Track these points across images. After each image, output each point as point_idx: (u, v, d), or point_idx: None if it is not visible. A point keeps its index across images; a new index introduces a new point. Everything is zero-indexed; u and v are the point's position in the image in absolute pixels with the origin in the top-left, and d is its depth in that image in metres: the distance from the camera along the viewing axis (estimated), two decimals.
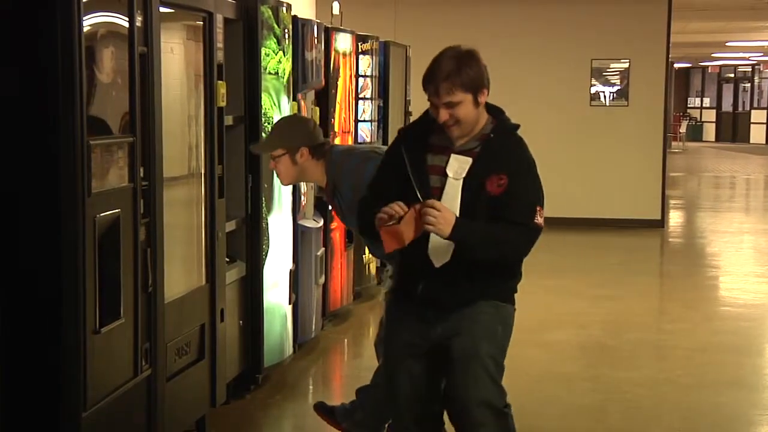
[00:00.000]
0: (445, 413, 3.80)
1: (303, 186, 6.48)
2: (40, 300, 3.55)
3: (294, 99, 6.17)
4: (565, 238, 11.51)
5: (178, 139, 4.80)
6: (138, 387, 4.03)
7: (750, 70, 36.57)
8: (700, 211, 16.29)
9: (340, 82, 7.47)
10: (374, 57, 8.46)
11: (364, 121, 8.37)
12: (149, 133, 4.04)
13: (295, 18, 6.22)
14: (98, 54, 3.69)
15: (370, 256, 8.24)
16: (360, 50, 8.07)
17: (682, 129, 33.07)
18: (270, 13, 5.68)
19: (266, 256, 5.75)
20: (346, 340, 7.49)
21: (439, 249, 3.47)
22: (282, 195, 6.02)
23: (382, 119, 8.92)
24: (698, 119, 37.75)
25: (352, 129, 7.93)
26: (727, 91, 37.83)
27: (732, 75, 37.55)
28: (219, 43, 4.93)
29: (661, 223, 13.20)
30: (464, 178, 3.48)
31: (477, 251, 3.47)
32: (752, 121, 36.05)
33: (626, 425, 5.62)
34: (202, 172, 4.93)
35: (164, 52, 4.28)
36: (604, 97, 13.37)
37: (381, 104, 8.86)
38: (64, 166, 3.48)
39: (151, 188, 4.06)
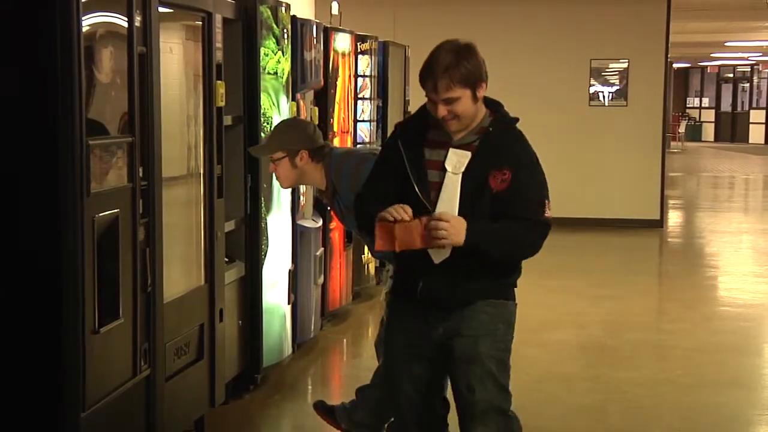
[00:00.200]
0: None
1: (302, 186, 6.47)
2: (39, 300, 3.55)
3: (293, 99, 6.17)
4: (565, 238, 11.50)
5: (177, 139, 4.79)
6: (137, 387, 4.03)
7: (749, 70, 36.59)
8: (699, 211, 16.29)
9: (339, 82, 7.47)
10: (373, 57, 8.46)
11: (363, 121, 8.37)
12: (148, 133, 4.03)
13: (294, 18, 6.22)
14: (97, 54, 3.69)
15: (369, 256, 8.24)
16: (359, 50, 8.07)
17: (681, 129, 33.07)
18: (269, 13, 5.68)
19: (265, 256, 5.75)
20: (345, 340, 7.49)
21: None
22: (281, 195, 6.02)
23: (381, 119, 8.92)
24: (697, 119, 37.77)
25: (351, 129, 7.93)
26: (726, 91, 37.84)
27: (731, 75, 37.57)
28: (218, 43, 4.93)
29: (660, 223, 13.20)
30: (463, 173, 3.42)
31: (492, 252, 3.42)
32: (751, 121, 36.07)
33: (626, 425, 5.62)
34: (201, 172, 4.92)
35: (163, 52, 4.27)
36: (603, 97, 13.38)
37: (380, 104, 8.86)
38: (63, 166, 3.47)
39: (150, 188, 4.06)
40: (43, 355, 3.56)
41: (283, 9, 5.92)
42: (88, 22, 3.56)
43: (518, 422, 3.62)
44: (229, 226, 5.31)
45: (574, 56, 13.15)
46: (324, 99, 7.13)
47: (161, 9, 4.17)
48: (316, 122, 6.53)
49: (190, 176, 4.94)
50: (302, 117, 6.37)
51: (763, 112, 35.67)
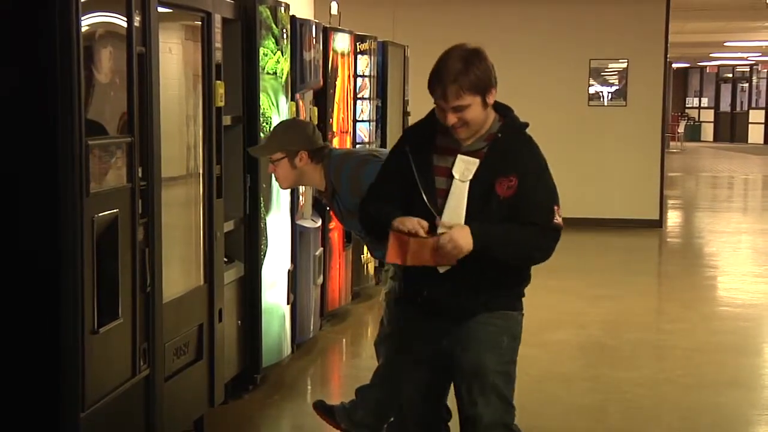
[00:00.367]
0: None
1: (301, 186, 6.47)
2: (38, 300, 3.54)
3: (292, 99, 6.17)
4: (564, 238, 11.42)
5: (177, 139, 4.79)
6: (136, 387, 4.03)
7: (748, 70, 36.59)
8: (699, 211, 16.30)
9: (338, 82, 7.47)
10: (372, 57, 8.46)
11: (363, 121, 8.36)
12: (147, 133, 4.03)
13: (293, 18, 6.22)
14: (97, 54, 3.69)
15: (369, 256, 8.23)
16: (358, 50, 8.07)
17: (681, 129, 33.07)
18: (268, 13, 5.68)
19: (264, 256, 5.74)
20: (344, 340, 7.49)
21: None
22: (280, 195, 6.02)
23: (380, 119, 8.92)
24: (696, 119, 37.77)
25: (351, 129, 7.92)
26: (726, 91, 37.85)
27: (730, 75, 37.57)
28: (217, 43, 4.93)
29: (659, 223, 13.20)
30: (471, 180, 3.37)
31: (500, 254, 3.37)
32: (750, 121, 36.08)
33: (626, 425, 5.62)
34: (201, 172, 4.92)
35: (162, 52, 4.27)
36: (603, 97, 13.38)
37: (379, 104, 8.85)
38: (63, 167, 3.47)
39: (150, 188, 4.06)
40: (43, 355, 3.56)
41: (283, 9, 5.92)
42: (87, 22, 3.56)
43: None
44: (229, 226, 5.30)
45: (573, 56, 13.15)
46: (323, 99, 7.12)
47: (160, 9, 4.16)
48: (316, 122, 6.53)
49: (190, 176, 4.93)
50: (301, 117, 6.37)
51: (762, 112, 35.68)
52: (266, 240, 5.77)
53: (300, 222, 6.53)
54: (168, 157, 4.37)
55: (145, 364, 4.08)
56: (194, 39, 4.87)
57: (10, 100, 3.51)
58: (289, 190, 6.19)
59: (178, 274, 4.72)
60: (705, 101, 38.40)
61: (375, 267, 8.56)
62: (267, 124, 5.64)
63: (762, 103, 36.06)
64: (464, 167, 3.38)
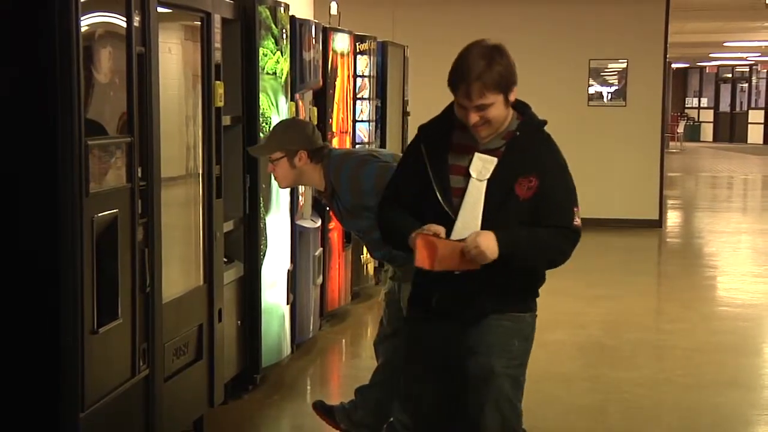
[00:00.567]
0: None
1: (301, 186, 6.47)
2: (38, 300, 3.54)
3: (292, 99, 6.17)
4: None
5: (176, 139, 4.79)
6: (136, 387, 4.03)
7: (748, 70, 36.61)
8: (698, 211, 16.30)
9: (338, 83, 7.47)
10: (372, 57, 8.46)
11: (362, 121, 8.36)
12: (147, 133, 4.03)
13: (292, 18, 6.22)
14: (96, 54, 3.69)
15: (368, 256, 8.23)
16: (358, 50, 8.07)
17: (680, 129, 33.08)
18: (268, 13, 5.68)
19: (264, 257, 5.74)
20: (344, 340, 7.49)
21: None
22: (280, 195, 6.02)
23: (380, 119, 8.92)
24: (696, 119, 37.78)
25: (350, 129, 7.92)
26: (725, 91, 37.86)
27: (730, 75, 37.59)
28: (217, 44, 4.93)
29: (658, 223, 13.21)
30: (488, 179, 3.29)
31: (524, 261, 3.31)
32: (750, 121, 36.09)
33: (625, 425, 5.62)
34: (200, 172, 4.92)
35: (162, 52, 4.27)
36: (602, 97, 13.38)
37: (379, 104, 8.85)
38: (62, 167, 3.47)
39: (149, 188, 4.06)
40: (43, 355, 3.55)
41: (282, 9, 5.92)
42: (86, 22, 3.56)
43: None
44: (228, 226, 5.30)
45: (573, 56, 13.15)
46: (323, 99, 7.12)
47: (160, 9, 4.16)
48: (315, 122, 6.53)
49: (189, 176, 4.93)
50: (301, 117, 6.37)
51: (762, 112, 35.70)
52: (266, 240, 5.77)
53: (299, 222, 6.53)
54: (167, 157, 4.37)
55: (145, 364, 4.08)
56: (194, 39, 4.87)
57: (9, 100, 3.51)
58: (288, 191, 6.19)
59: (178, 274, 4.72)
60: (704, 101, 38.41)
61: (374, 267, 8.56)
62: (266, 124, 5.64)
63: (761, 103, 36.07)
64: (482, 165, 3.31)
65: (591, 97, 13.35)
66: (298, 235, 6.43)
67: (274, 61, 5.78)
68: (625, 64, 13.23)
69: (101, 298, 3.66)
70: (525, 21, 13.21)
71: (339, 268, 7.61)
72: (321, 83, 7.01)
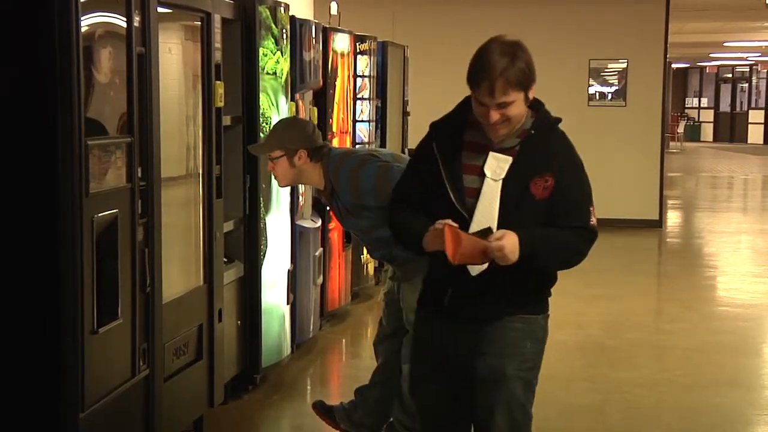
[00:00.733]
0: None
1: (301, 186, 6.47)
2: (38, 300, 3.55)
3: (292, 99, 6.17)
4: None
5: (176, 139, 4.79)
6: (136, 387, 4.03)
7: (748, 70, 36.60)
8: (698, 212, 16.30)
9: (338, 83, 7.47)
10: (372, 57, 8.46)
11: (362, 121, 8.36)
12: (147, 133, 4.03)
13: (293, 18, 6.22)
14: (96, 54, 3.69)
15: (368, 256, 8.23)
16: (358, 50, 8.07)
17: (680, 129, 33.08)
18: (268, 13, 5.68)
19: (264, 257, 5.75)
20: (344, 341, 7.49)
21: None
22: (280, 195, 6.02)
23: (380, 120, 8.92)
24: (696, 119, 37.78)
25: (350, 129, 7.93)
26: (725, 91, 37.85)
27: (730, 75, 37.58)
28: (217, 44, 4.93)
29: (659, 224, 13.21)
30: (503, 179, 3.21)
31: (544, 263, 3.27)
32: (750, 121, 36.09)
33: (625, 425, 5.62)
34: (200, 172, 4.92)
35: (162, 53, 4.27)
36: (602, 97, 13.38)
37: (379, 104, 8.85)
38: (62, 167, 3.47)
39: (149, 188, 4.06)
40: (43, 355, 3.56)
41: (282, 9, 5.92)
42: (87, 22, 3.56)
43: None
44: (228, 226, 5.30)
45: (573, 56, 13.15)
46: (323, 99, 7.12)
47: (160, 9, 4.16)
48: (315, 123, 6.52)
49: (189, 176, 4.93)
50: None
51: (762, 112, 35.69)
52: (266, 240, 5.77)
53: (300, 222, 6.53)
54: (168, 157, 4.37)
55: (145, 365, 4.08)
56: (194, 39, 4.88)
57: (9, 100, 3.51)
58: (288, 191, 6.19)
59: (178, 274, 4.73)
60: (705, 101, 38.40)
61: (375, 267, 8.56)
62: (267, 124, 5.64)
63: (761, 103, 36.07)
64: (496, 165, 3.23)
65: (591, 97, 13.35)
66: (298, 235, 6.43)
67: (274, 61, 5.79)
68: (625, 64, 13.23)
69: (101, 298, 3.67)
70: (525, 21, 13.20)
71: (339, 268, 7.61)
72: (321, 83, 7.01)
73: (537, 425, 3.59)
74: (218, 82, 4.95)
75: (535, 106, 3.32)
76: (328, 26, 7.30)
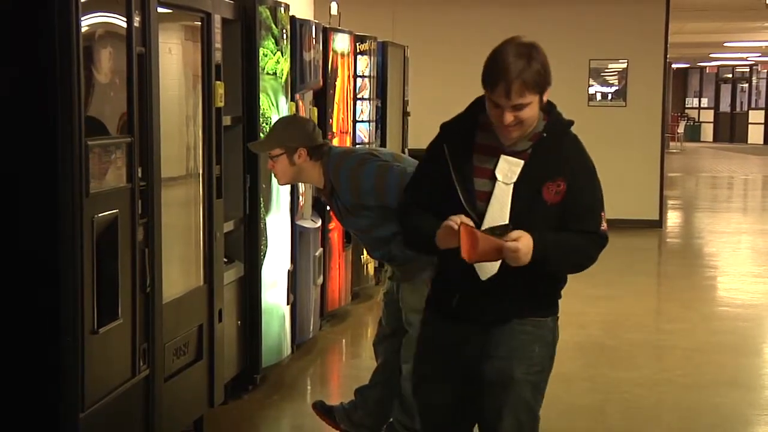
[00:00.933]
0: None
1: (301, 186, 6.48)
2: (38, 300, 3.55)
3: (292, 99, 6.17)
4: None
5: (176, 139, 4.79)
6: (136, 387, 4.03)
7: (748, 70, 36.60)
8: (698, 212, 16.30)
9: (338, 83, 7.47)
10: (372, 57, 8.46)
11: (362, 121, 8.37)
12: (147, 133, 4.03)
13: (293, 18, 6.22)
14: (96, 54, 3.69)
15: (368, 256, 8.23)
16: (358, 50, 8.07)
17: (680, 129, 33.08)
18: (268, 13, 5.68)
19: (264, 257, 5.75)
20: (344, 341, 7.49)
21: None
22: (280, 195, 6.02)
23: (380, 120, 8.92)
24: (696, 119, 37.78)
25: (350, 129, 7.93)
26: (725, 91, 37.85)
27: (730, 75, 37.58)
28: (217, 44, 4.93)
29: (659, 224, 13.21)
30: (515, 183, 3.18)
31: (555, 266, 3.24)
32: (750, 121, 36.09)
33: (625, 425, 5.62)
34: (200, 172, 4.92)
35: (162, 53, 4.27)
36: (602, 97, 13.38)
37: (379, 105, 8.85)
38: (63, 167, 3.47)
39: (149, 188, 4.06)
40: (43, 355, 3.56)
41: (282, 9, 5.92)
42: (87, 22, 3.56)
43: None
44: (228, 226, 5.31)
45: (573, 56, 13.14)
46: (323, 99, 7.12)
47: (160, 9, 4.17)
48: (315, 123, 6.52)
49: (189, 176, 4.94)
50: None
51: (762, 112, 35.69)
52: (266, 240, 5.77)
53: (300, 222, 6.53)
54: (168, 158, 4.37)
55: (145, 365, 4.08)
56: (194, 39, 4.88)
57: (9, 100, 3.51)
58: (289, 191, 6.19)
59: (178, 274, 4.73)
60: (705, 101, 38.40)
61: (375, 267, 8.56)
62: (267, 124, 5.64)
63: (762, 103, 36.07)
64: (508, 168, 3.19)
65: (591, 97, 13.35)
66: (298, 235, 6.43)
67: (274, 61, 5.79)
68: (626, 64, 13.24)
69: (101, 298, 3.67)
70: (525, 21, 13.19)
71: (339, 268, 7.61)
72: (321, 83, 7.01)
73: None
74: (218, 82, 4.95)
75: (548, 108, 3.29)
76: (328, 26, 7.30)
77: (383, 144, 8.88)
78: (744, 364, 6.93)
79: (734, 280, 10.14)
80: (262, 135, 5.52)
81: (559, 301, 3.48)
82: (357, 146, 7.97)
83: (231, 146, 5.30)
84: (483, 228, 3.13)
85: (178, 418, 4.60)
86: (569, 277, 3.47)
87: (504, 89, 3.09)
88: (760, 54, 29.79)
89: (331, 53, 7.26)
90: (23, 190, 3.54)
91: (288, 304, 6.14)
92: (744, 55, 31.16)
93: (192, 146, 4.94)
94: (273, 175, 4.59)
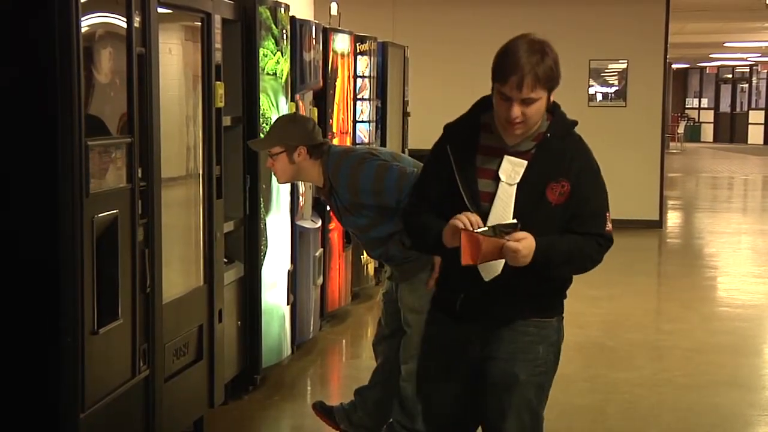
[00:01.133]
0: None
1: (301, 186, 6.48)
2: (38, 300, 3.55)
3: (292, 100, 6.17)
4: None
5: (176, 139, 4.80)
6: (136, 388, 4.03)
7: (748, 70, 36.60)
8: (698, 212, 16.30)
9: (338, 83, 7.47)
10: (372, 57, 8.46)
11: (363, 121, 8.37)
12: (147, 133, 4.03)
13: (293, 18, 6.22)
14: (96, 54, 3.69)
15: (368, 256, 8.23)
16: (358, 51, 8.07)
17: (680, 130, 33.08)
18: (268, 13, 5.68)
19: (264, 257, 5.75)
20: (344, 341, 7.49)
21: (492, 263, 3.15)
22: (280, 195, 6.02)
23: (380, 120, 8.92)
24: (696, 120, 37.78)
25: (350, 130, 7.93)
26: (725, 91, 37.85)
27: (730, 76, 37.58)
28: (217, 44, 4.93)
29: (659, 224, 13.21)
30: (518, 183, 3.17)
31: (558, 269, 3.24)
32: (750, 121, 36.08)
33: (625, 425, 5.63)
34: (200, 172, 4.93)
35: (162, 53, 4.27)
36: (602, 97, 13.38)
37: (379, 105, 8.85)
38: (63, 167, 3.47)
39: (150, 189, 4.06)
40: (43, 355, 3.56)
41: (282, 9, 5.92)
42: (87, 22, 3.56)
43: None
44: (228, 226, 5.31)
45: (573, 57, 13.10)
46: (323, 100, 7.13)
47: (160, 10, 4.17)
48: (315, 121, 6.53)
49: (189, 177, 4.94)
50: None
51: (762, 112, 35.69)
52: (266, 240, 5.77)
53: (300, 222, 6.53)
54: (168, 158, 4.38)
55: (145, 365, 4.08)
56: (194, 40, 4.88)
57: (9, 100, 3.52)
58: (289, 191, 6.20)
59: (178, 274, 4.73)
60: (705, 102, 38.40)
61: (375, 268, 8.56)
62: (267, 124, 5.64)
63: (762, 103, 36.06)
64: (511, 169, 3.19)
65: (591, 98, 13.35)
66: (298, 235, 6.44)
67: (274, 61, 5.79)
68: (626, 64, 13.24)
69: (101, 299, 3.67)
70: (525, 21, 13.14)
71: (339, 268, 7.61)
72: (321, 84, 7.02)
73: None
74: (218, 82, 4.95)
75: (552, 107, 3.29)
76: (328, 27, 7.30)
77: (383, 144, 8.88)
78: (744, 364, 6.93)
79: (734, 281, 10.14)
80: (261, 135, 5.52)
81: (565, 301, 3.47)
82: (357, 145, 7.97)
83: (231, 146, 5.30)
84: (489, 225, 3.12)
85: (178, 419, 4.60)
86: None
87: (517, 81, 3.10)
88: (760, 54, 29.79)
89: (331, 53, 7.26)
90: (23, 190, 3.54)
91: (288, 304, 6.14)
92: (744, 56, 31.16)
93: (192, 146, 4.95)
94: (272, 173, 4.58)
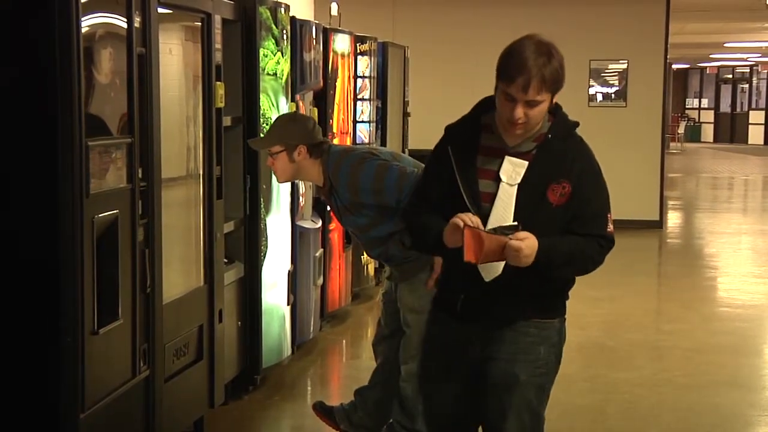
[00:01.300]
0: None
1: (301, 187, 6.48)
2: (38, 301, 3.55)
3: (292, 100, 6.17)
4: None
5: (177, 139, 4.80)
6: (136, 388, 4.03)
7: (748, 71, 36.60)
8: (699, 212, 16.30)
9: (338, 83, 7.47)
10: (372, 58, 8.46)
11: (363, 122, 8.37)
12: (148, 133, 4.03)
13: (293, 19, 6.22)
14: (97, 55, 3.69)
15: (369, 257, 8.23)
16: (358, 51, 8.07)
17: (681, 130, 33.09)
18: (268, 13, 5.68)
19: (264, 257, 5.75)
20: (344, 341, 7.49)
21: (492, 263, 3.14)
22: (280, 196, 6.02)
23: (380, 120, 8.92)
24: (696, 120, 37.78)
25: (351, 130, 7.93)
26: (726, 92, 37.85)
27: (730, 76, 37.58)
28: (217, 44, 4.93)
29: (659, 224, 13.21)
30: (519, 184, 3.17)
31: (559, 271, 3.23)
32: (750, 122, 36.08)
33: (625, 425, 5.62)
34: (201, 172, 4.93)
35: (163, 53, 4.27)
36: (603, 97, 13.38)
37: (379, 105, 8.86)
38: (63, 167, 3.47)
39: (150, 189, 4.06)
40: (43, 355, 3.56)
41: (283, 10, 5.92)
42: (87, 22, 3.56)
43: None
44: (229, 227, 5.31)
45: (573, 57, 12.95)
46: (323, 100, 7.12)
47: (160, 10, 4.17)
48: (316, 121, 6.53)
49: (190, 177, 4.94)
50: None
51: (762, 113, 35.69)
52: (266, 241, 5.77)
53: (300, 223, 6.53)
54: (168, 158, 4.38)
55: (145, 365, 4.08)
56: (194, 40, 4.88)
57: (9, 100, 3.52)
58: (289, 191, 6.19)
59: (178, 274, 4.73)
60: (705, 102, 38.40)
61: (375, 268, 8.56)
62: (267, 125, 5.64)
63: (762, 104, 36.06)
64: (512, 170, 3.19)
65: (591, 98, 13.35)
66: (298, 235, 6.44)
67: (274, 61, 5.79)
68: (626, 64, 13.24)
69: (101, 299, 3.67)
70: (525, 21, 13.11)
71: (339, 268, 7.61)
72: (321, 84, 7.02)
73: None
74: (219, 82, 4.95)
75: (553, 108, 3.29)
76: (328, 27, 7.30)
77: (383, 144, 8.88)
78: (744, 364, 6.93)
79: (734, 281, 10.14)
80: (261, 136, 5.52)
81: (567, 302, 3.46)
82: (357, 145, 7.97)
83: (231, 147, 5.30)
84: (488, 228, 3.12)
85: (179, 419, 4.60)
86: None
87: (523, 83, 3.10)
88: (760, 54, 29.78)
89: (331, 54, 7.26)
90: (23, 190, 3.54)
91: (288, 304, 6.14)
92: (744, 56, 31.16)
93: (192, 147, 4.95)
94: (272, 172, 4.58)
